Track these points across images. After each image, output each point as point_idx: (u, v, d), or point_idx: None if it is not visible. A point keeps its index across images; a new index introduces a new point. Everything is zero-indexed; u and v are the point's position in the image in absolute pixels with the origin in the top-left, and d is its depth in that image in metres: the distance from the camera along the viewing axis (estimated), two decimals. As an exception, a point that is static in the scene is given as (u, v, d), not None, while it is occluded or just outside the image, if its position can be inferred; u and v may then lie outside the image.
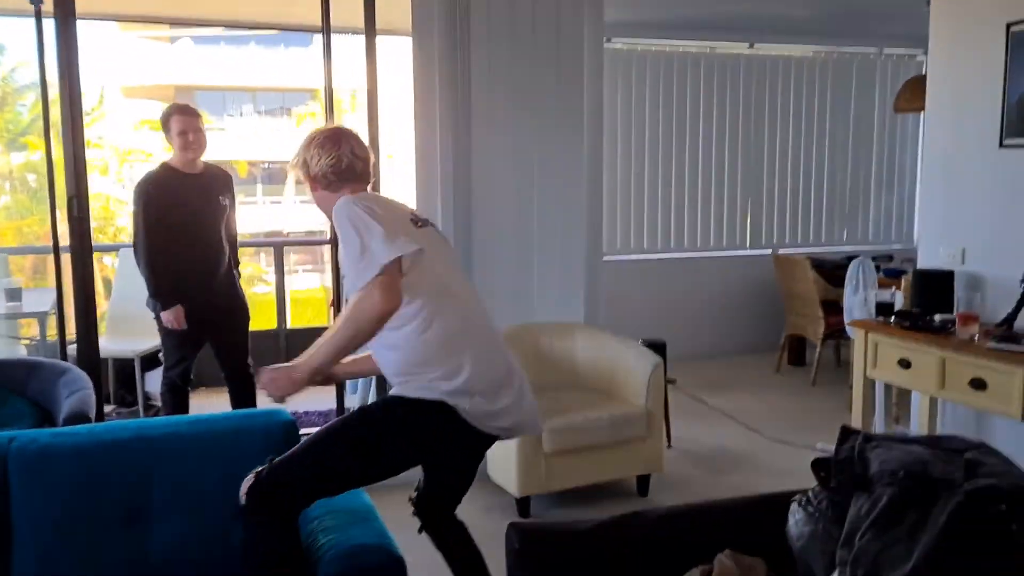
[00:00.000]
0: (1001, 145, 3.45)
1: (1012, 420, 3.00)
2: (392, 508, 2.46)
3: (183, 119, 3.64)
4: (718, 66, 6.45)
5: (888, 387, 4.38)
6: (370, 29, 3.93)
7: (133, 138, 20.60)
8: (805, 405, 5.32)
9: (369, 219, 2.02)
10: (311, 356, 2.10)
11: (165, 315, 3.65)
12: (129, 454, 2.15)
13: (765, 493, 2.03)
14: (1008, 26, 3.45)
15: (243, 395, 3.95)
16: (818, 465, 1.89)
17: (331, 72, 3.97)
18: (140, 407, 4.83)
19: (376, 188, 3.97)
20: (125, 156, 20.06)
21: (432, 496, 2.40)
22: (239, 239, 4.05)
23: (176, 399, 3.85)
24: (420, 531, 2.44)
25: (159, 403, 5.05)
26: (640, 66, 6.27)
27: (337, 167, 2.19)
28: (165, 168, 3.74)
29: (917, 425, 3.84)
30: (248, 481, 2.06)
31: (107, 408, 4.82)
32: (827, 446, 4.39)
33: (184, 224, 3.68)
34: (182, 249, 3.69)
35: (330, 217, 2.17)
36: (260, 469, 2.08)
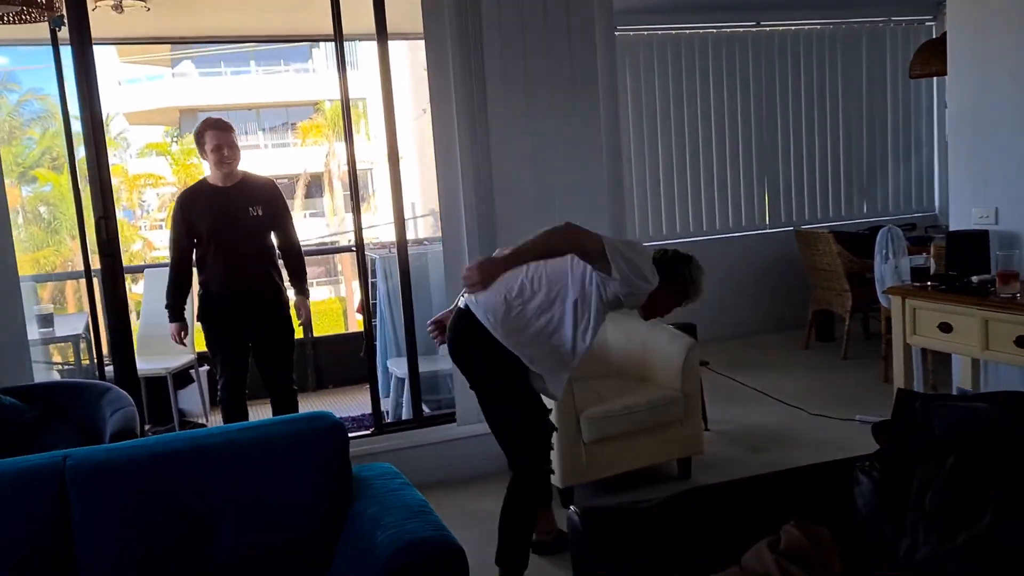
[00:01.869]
0: (1028, 100, 3.41)
1: (1060, 376, 2.97)
2: (446, 506, 2.47)
3: (216, 134, 3.63)
4: (726, 46, 6.43)
5: (924, 354, 4.34)
6: (381, 34, 3.94)
7: (140, 163, 20.77)
8: (838, 379, 5.29)
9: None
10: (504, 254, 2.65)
11: (170, 328, 3.76)
12: (184, 465, 2.13)
13: (824, 461, 2.01)
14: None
15: (285, 412, 3.92)
16: (880, 430, 1.88)
17: (346, 80, 3.98)
18: (176, 424, 4.86)
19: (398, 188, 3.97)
20: (134, 181, 20.23)
21: None
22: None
23: (227, 412, 3.82)
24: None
25: (195, 420, 5.11)
26: (648, 52, 6.25)
27: None
28: (200, 182, 3.79)
29: (959, 389, 3.80)
30: None
31: (144, 427, 4.84)
32: (867, 417, 4.38)
33: (211, 236, 3.69)
34: (212, 262, 3.70)
35: None
36: None
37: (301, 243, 3.97)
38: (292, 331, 3.95)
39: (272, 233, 3.84)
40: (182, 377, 5.06)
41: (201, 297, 3.79)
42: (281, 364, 3.89)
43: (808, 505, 1.86)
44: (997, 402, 1.80)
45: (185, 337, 3.86)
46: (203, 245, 3.70)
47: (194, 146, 3.82)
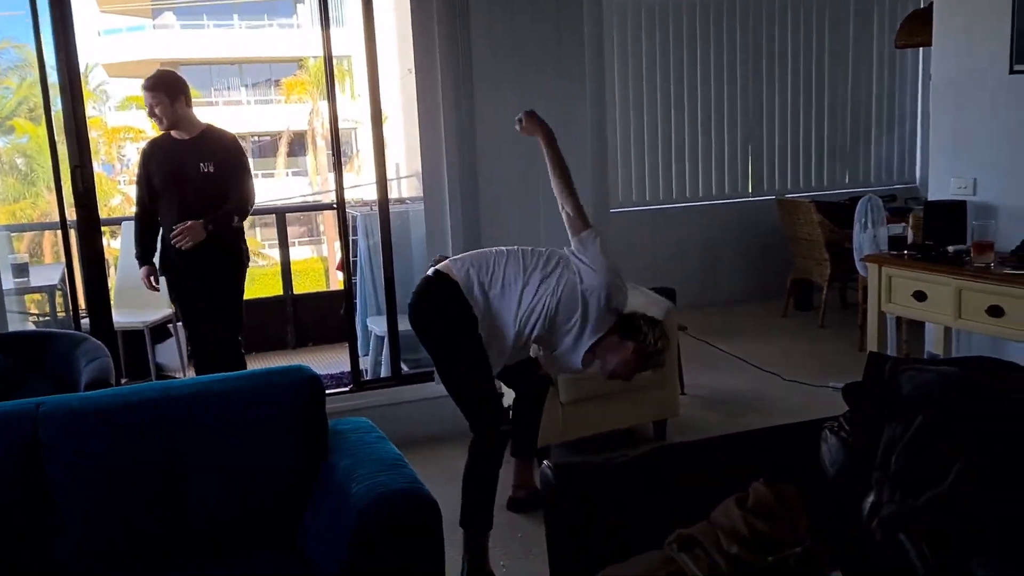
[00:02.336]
0: (1012, 71, 3.42)
1: (1029, 345, 3.01)
2: (424, 463, 2.49)
3: (145, 94, 3.57)
4: (713, 12, 6.38)
5: (898, 323, 4.39)
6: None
7: (120, 116, 20.44)
8: (814, 347, 5.34)
9: None
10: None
11: (140, 274, 3.80)
12: (158, 414, 2.13)
13: (794, 422, 2.04)
14: (1016, -52, 3.40)
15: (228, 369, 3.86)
16: (849, 391, 1.90)
17: (330, 37, 3.91)
18: (153, 377, 4.84)
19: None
20: (114, 134, 19.91)
21: None
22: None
23: (196, 365, 3.84)
24: None
25: (172, 374, 5.10)
26: (636, 15, 6.20)
27: None
28: (163, 135, 3.74)
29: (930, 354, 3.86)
30: None
31: (121, 381, 4.82)
32: (840, 384, 4.43)
33: (162, 189, 3.68)
34: (164, 214, 3.70)
35: None
36: None
37: (282, 201, 3.94)
38: (236, 290, 3.81)
39: (228, 191, 3.69)
40: (160, 331, 5.03)
41: (160, 250, 3.78)
42: (222, 321, 3.76)
43: (777, 464, 1.89)
44: (966, 366, 1.83)
45: (156, 282, 3.84)
46: (159, 197, 3.70)
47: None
